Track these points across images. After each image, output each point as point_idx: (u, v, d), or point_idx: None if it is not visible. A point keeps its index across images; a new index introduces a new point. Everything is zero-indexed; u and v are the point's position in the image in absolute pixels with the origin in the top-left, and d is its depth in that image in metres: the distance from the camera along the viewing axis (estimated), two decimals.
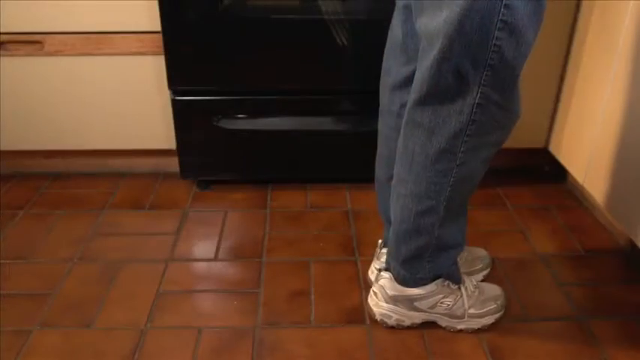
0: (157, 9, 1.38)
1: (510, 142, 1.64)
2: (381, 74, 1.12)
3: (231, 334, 1.12)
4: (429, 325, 1.13)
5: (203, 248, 1.37)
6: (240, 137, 1.53)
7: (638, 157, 1.19)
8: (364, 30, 1.42)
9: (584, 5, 1.42)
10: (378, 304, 1.11)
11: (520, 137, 1.64)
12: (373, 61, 1.37)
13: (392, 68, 1.08)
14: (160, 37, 1.43)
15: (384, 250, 1.21)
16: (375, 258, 1.24)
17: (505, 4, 0.82)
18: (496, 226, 1.46)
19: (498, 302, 1.14)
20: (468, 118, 0.91)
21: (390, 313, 1.11)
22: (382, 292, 1.10)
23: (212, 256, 1.35)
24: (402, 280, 1.09)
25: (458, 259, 1.12)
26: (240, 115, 1.51)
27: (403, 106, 1.05)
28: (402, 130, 0.99)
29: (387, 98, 1.10)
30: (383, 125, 1.14)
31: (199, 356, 1.07)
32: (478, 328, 1.12)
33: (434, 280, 1.09)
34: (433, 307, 1.10)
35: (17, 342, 1.09)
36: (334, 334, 1.11)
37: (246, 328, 1.13)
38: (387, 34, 1.10)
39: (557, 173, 1.67)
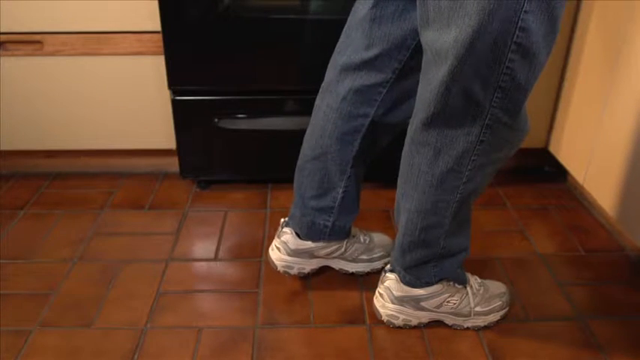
0: (157, 9, 1.38)
1: None
2: (335, 51, 1.07)
3: (231, 334, 1.12)
4: (429, 324, 1.13)
5: (203, 248, 1.37)
6: (240, 137, 1.53)
7: (637, 157, 1.19)
8: None
9: (584, 5, 1.42)
10: (384, 305, 1.11)
11: None
12: None
13: (348, 48, 1.03)
14: (159, 37, 1.43)
15: (286, 229, 1.19)
16: (275, 236, 1.21)
17: (520, 27, 0.78)
18: (496, 226, 1.46)
19: (503, 299, 1.14)
20: (477, 139, 0.90)
21: (397, 314, 1.11)
22: (388, 294, 1.10)
23: (212, 256, 1.34)
24: (407, 282, 1.09)
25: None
26: (240, 115, 1.51)
27: (352, 90, 1.02)
28: (406, 146, 0.98)
29: (334, 77, 1.06)
30: (323, 103, 1.08)
31: (199, 356, 1.07)
32: (484, 326, 1.12)
33: (439, 282, 1.09)
34: (439, 306, 1.10)
35: (17, 342, 1.09)
36: (334, 334, 1.11)
37: (246, 328, 1.13)
38: None
39: (557, 173, 1.67)
